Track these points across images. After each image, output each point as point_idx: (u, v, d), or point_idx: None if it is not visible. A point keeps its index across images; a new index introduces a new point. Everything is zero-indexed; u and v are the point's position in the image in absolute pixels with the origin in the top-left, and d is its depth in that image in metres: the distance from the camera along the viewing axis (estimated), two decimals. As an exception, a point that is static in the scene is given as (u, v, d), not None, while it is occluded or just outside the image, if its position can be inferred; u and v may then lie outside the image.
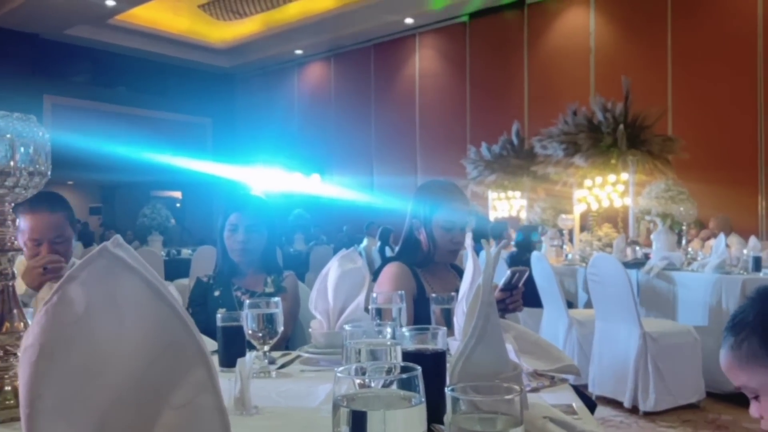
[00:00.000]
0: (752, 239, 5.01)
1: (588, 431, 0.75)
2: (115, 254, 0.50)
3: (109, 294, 0.50)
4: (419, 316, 1.94)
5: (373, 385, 0.70)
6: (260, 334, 1.53)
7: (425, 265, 2.18)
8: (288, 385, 1.43)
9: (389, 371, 0.84)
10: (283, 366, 1.62)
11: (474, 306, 0.79)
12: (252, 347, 1.57)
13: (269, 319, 1.54)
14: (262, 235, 2.30)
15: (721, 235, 4.92)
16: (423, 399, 0.61)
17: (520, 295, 1.86)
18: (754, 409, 1.06)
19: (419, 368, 0.63)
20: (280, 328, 1.55)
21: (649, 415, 3.90)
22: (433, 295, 1.66)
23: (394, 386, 0.66)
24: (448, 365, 0.99)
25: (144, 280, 0.51)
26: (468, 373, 0.77)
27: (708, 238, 6.33)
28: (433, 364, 0.95)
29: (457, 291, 1.74)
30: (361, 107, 13.33)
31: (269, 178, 13.26)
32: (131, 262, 0.51)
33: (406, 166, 12.28)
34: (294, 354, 1.75)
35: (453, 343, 1.20)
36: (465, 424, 0.60)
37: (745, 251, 4.65)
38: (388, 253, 7.95)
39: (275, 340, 1.57)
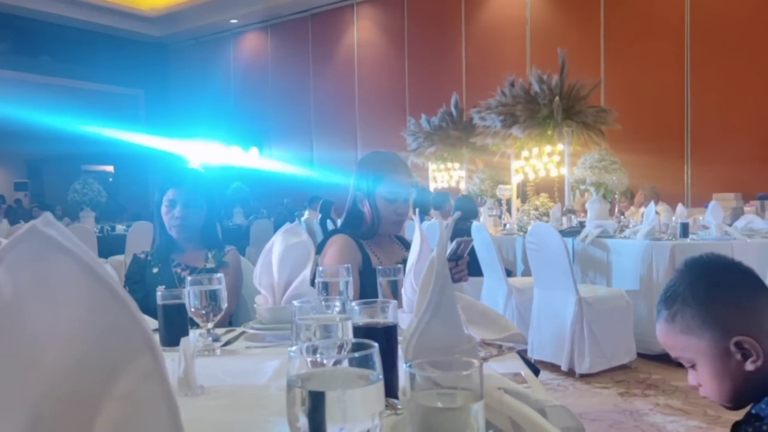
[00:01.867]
0: (679, 207, 5.22)
1: (542, 400, 0.76)
2: (46, 233, 0.46)
3: (40, 277, 0.45)
4: (365, 289, 1.93)
5: (326, 363, 0.68)
6: (203, 312, 1.49)
7: (370, 236, 2.17)
8: (234, 362, 1.39)
9: (341, 348, 0.82)
10: (227, 343, 1.58)
11: (428, 279, 0.78)
12: (194, 325, 1.53)
13: (212, 296, 1.49)
14: (200, 210, 2.23)
15: (651, 204, 5.11)
16: (381, 376, 0.59)
17: (466, 265, 1.87)
18: (692, 377, 1.10)
19: (376, 345, 0.61)
20: (224, 305, 1.51)
21: (584, 377, 4.04)
22: (380, 267, 1.64)
23: (346, 363, 0.64)
24: (399, 339, 0.98)
25: (78, 261, 0.46)
26: (424, 348, 0.75)
27: (640, 206, 6.56)
28: (384, 339, 0.93)
29: (403, 262, 1.73)
30: (299, 79, 13.11)
31: (206, 152, 12.94)
32: (64, 241, 0.46)
33: (345, 138, 12.21)
34: (239, 330, 1.71)
35: (401, 316, 1.19)
36: (424, 401, 0.59)
37: (673, 218, 4.84)
38: (330, 226, 7.91)
39: (219, 317, 1.52)
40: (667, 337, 1.11)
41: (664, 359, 4.25)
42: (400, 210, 2.14)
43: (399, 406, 0.89)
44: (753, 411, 1.02)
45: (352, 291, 1.57)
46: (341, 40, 12.69)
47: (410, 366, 0.61)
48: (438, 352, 0.74)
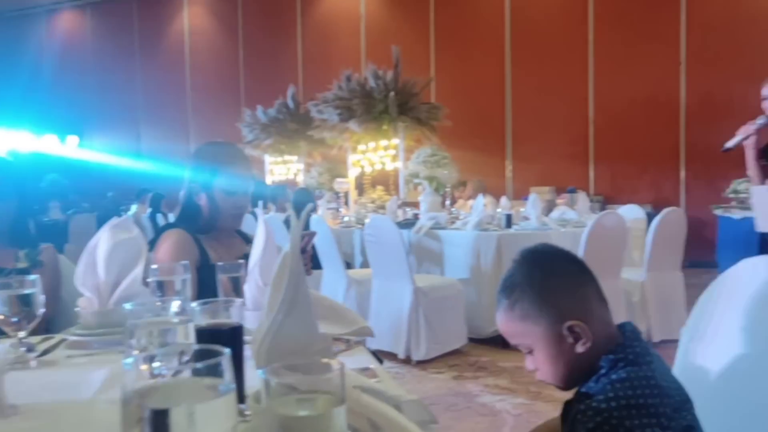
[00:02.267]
0: (503, 199, 5.58)
1: (397, 396, 0.74)
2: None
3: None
4: (204, 287, 1.81)
5: (167, 373, 0.60)
6: (14, 319, 1.30)
7: (208, 231, 2.05)
8: (53, 375, 1.24)
9: (183, 354, 0.74)
10: (44, 353, 1.40)
11: (281, 275, 0.73)
12: (2, 334, 1.34)
13: (25, 301, 1.31)
14: (8, 204, 1.98)
15: (480, 196, 5.40)
16: (233, 385, 0.54)
17: (309, 258, 1.83)
18: (529, 362, 1.15)
19: (227, 350, 0.56)
20: (40, 310, 1.34)
21: (420, 363, 4.19)
22: (220, 263, 1.55)
23: (188, 372, 0.58)
24: (246, 339, 0.92)
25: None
26: (277, 350, 0.71)
27: (468, 199, 6.93)
28: (231, 341, 0.87)
29: (244, 257, 1.65)
30: (124, 65, 12.24)
31: (13, 140, 11.65)
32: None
33: (177, 128, 11.62)
34: (58, 338, 1.53)
35: (246, 315, 1.12)
36: (282, 409, 0.54)
37: (498, 210, 5.16)
38: (161, 220, 7.48)
39: (33, 324, 1.34)
40: (507, 324, 1.15)
41: (492, 342, 4.52)
42: (239, 203, 2.05)
43: (247, 412, 0.83)
44: (583, 389, 1.09)
45: (190, 290, 1.46)
46: (171, 26, 12.05)
47: (265, 372, 0.56)
48: (293, 353, 0.70)
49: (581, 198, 5.87)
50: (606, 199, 8.58)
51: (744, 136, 3.35)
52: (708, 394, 1.25)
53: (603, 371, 1.05)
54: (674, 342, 3.46)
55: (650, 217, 4.99)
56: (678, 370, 1.37)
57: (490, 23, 9.58)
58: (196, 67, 11.89)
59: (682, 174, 8.39)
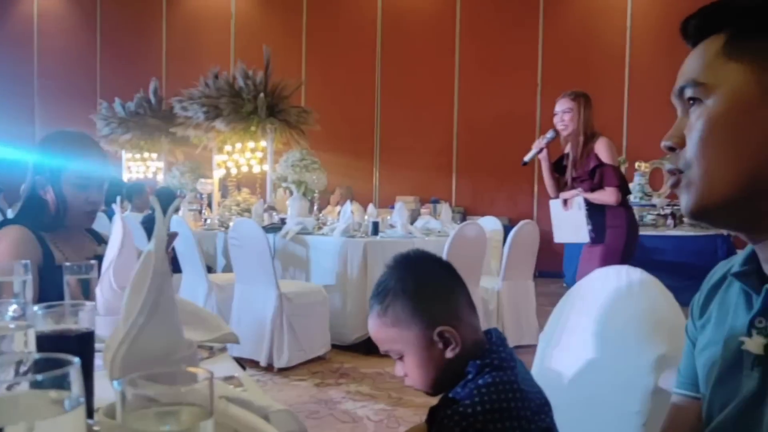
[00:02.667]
0: (370, 206, 5.63)
1: (265, 406, 0.70)
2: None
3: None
4: (47, 290, 1.65)
5: (1, 386, 0.52)
6: None
7: (53, 229, 1.86)
8: None
9: (21, 364, 0.65)
10: None
11: (143, 276, 0.66)
12: None
13: None
14: None
15: (348, 203, 5.42)
16: (82, 399, 0.47)
17: (170, 261, 1.72)
18: (398, 368, 1.15)
19: (76, 360, 0.49)
20: None
21: (283, 371, 4.11)
22: (67, 263, 1.41)
23: (26, 385, 0.50)
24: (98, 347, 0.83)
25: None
26: (135, 358, 0.64)
27: (336, 205, 6.93)
28: (78, 349, 0.78)
29: (96, 258, 1.52)
30: (-41, 42, 11.05)
31: None
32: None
33: (20, 117, 10.64)
34: None
35: (98, 320, 1.02)
36: (141, 424, 0.48)
37: (365, 217, 5.20)
38: (-3, 216, 6.80)
39: None
40: (378, 331, 1.14)
41: (356, 348, 4.54)
42: (92, 198, 1.88)
43: (95, 428, 0.75)
44: (450, 395, 1.10)
45: (31, 293, 1.32)
46: (17, 6, 11.05)
47: (121, 383, 0.50)
48: (153, 361, 0.63)
49: (444, 208, 6.08)
50: (467, 210, 8.96)
51: (537, 150, 3.63)
52: (562, 397, 1.31)
53: (470, 376, 1.06)
54: (526, 347, 3.64)
55: (506, 229, 5.27)
56: (535, 373, 1.43)
57: (362, 32, 9.70)
58: (45, 52, 10.98)
59: (536, 189, 8.95)
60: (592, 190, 3.47)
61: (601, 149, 3.44)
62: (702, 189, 0.77)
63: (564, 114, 3.54)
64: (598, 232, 3.44)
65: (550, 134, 3.61)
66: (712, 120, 0.77)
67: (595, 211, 3.46)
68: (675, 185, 0.82)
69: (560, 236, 3.77)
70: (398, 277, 1.14)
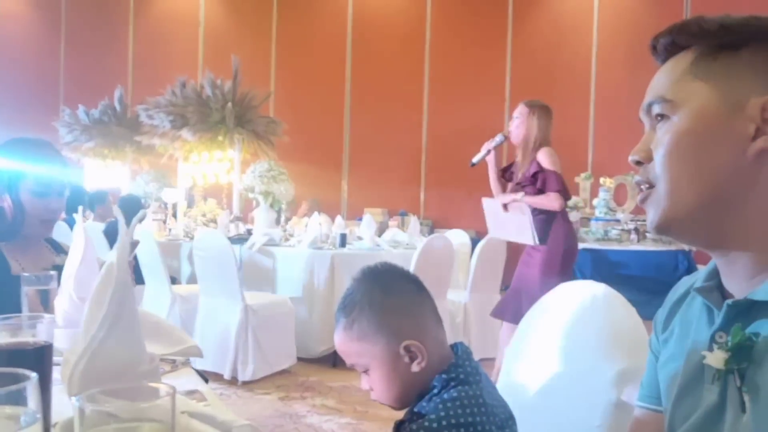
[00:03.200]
0: (338, 218, 5.62)
1: (228, 421, 0.69)
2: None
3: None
4: (3, 301, 1.60)
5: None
6: None
7: (10, 238, 1.81)
8: None
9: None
10: None
11: (104, 288, 0.64)
12: None
13: None
14: None
15: (315, 214, 5.40)
16: (39, 415, 0.46)
17: (131, 270, 1.68)
18: (364, 382, 1.14)
19: (34, 375, 0.47)
20: None
21: (247, 384, 4.06)
22: (26, 273, 1.38)
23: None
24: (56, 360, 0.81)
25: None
26: (94, 372, 0.62)
27: (303, 216, 6.90)
28: (36, 363, 0.76)
29: (54, 269, 1.48)
30: None
31: None
32: None
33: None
34: None
35: (57, 333, 1.00)
36: (99, 441, 0.47)
37: (333, 229, 5.19)
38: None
39: None
40: (344, 344, 1.13)
41: (321, 361, 4.51)
42: (51, 206, 1.83)
43: (52, 445, 0.73)
44: (415, 409, 1.09)
45: (-13, 304, 1.28)
46: (-23, 7, 10.80)
47: (79, 399, 0.49)
48: (114, 376, 0.62)
49: (412, 221, 6.09)
50: (434, 223, 9.00)
51: (485, 152, 3.69)
52: (527, 410, 1.32)
53: (435, 390, 1.06)
54: (492, 359, 3.66)
55: (474, 242, 5.30)
56: (501, 388, 1.44)
57: (332, 44, 9.72)
58: (5, 56, 10.73)
59: (502, 203, 9.03)
60: (535, 195, 3.53)
61: (543, 157, 3.49)
62: (666, 203, 0.79)
63: (515, 119, 3.60)
64: (540, 238, 3.49)
65: (498, 138, 3.67)
66: (677, 136, 0.79)
67: (535, 217, 3.50)
68: (643, 200, 0.84)
69: (498, 233, 3.83)
70: (365, 291, 1.13)
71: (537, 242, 3.45)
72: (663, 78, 0.83)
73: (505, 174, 3.74)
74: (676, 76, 0.81)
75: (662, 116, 0.81)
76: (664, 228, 0.81)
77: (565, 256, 3.49)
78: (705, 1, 7.71)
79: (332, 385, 4.10)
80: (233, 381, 4.07)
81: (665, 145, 0.80)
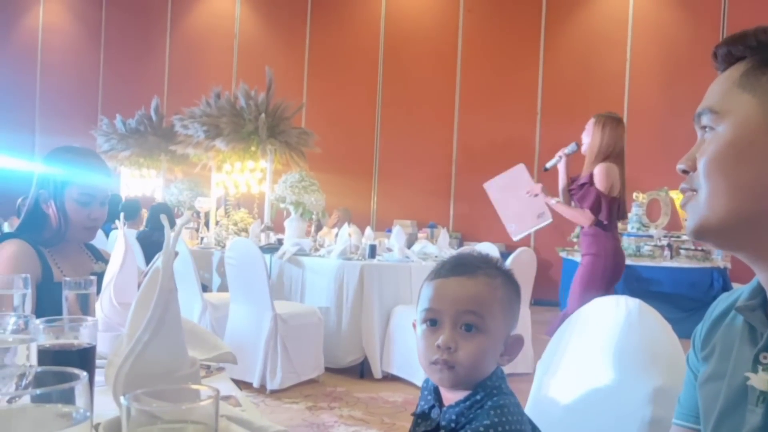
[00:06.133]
0: (368, 230, 5.65)
1: (265, 426, 0.70)
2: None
3: None
4: (44, 305, 1.65)
5: (3, 399, 0.52)
6: None
7: (54, 244, 1.86)
8: None
9: (24, 377, 0.66)
10: None
11: (149, 292, 0.66)
12: None
13: None
14: None
15: (345, 225, 5.43)
16: (89, 414, 0.47)
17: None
18: (450, 338, 1.05)
19: (84, 374, 0.49)
20: None
21: (275, 393, 4.08)
22: (67, 278, 1.41)
23: (28, 399, 0.51)
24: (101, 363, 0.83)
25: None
26: (139, 375, 0.64)
27: (333, 227, 6.94)
28: (80, 364, 0.78)
29: (95, 274, 1.52)
30: (-38, 55, 11.11)
31: None
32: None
33: (21, 132, 10.66)
34: None
35: (102, 336, 1.03)
36: (146, 441, 0.48)
37: (363, 240, 5.21)
38: (-7, 229, 6.77)
39: None
40: (483, 290, 1.07)
41: (349, 372, 4.51)
42: (94, 215, 1.88)
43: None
44: (443, 422, 1.07)
45: (30, 307, 1.31)
46: (22, 21, 11.15)
47: (127, 398, 0.50)
48: (157, 378, 0.63)
49: (442, 233, 6.08)
50: (464, 236, 8.96)
51: (557, 158, 3.67)
52: (559, 426, 1.31)
53: (478, 397, 1.04)
54: (520, 375, 3.63)
55: (504, 256, 5.27)
56: (532, 402, 1.43)
57: (364, 56, 9.79)
58: (48, 67, 11.04)
59: (533, 217, 8.96)
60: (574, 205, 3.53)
61: (597, 172, 3.46)
62: (704, 212, 0.80)
63: (586, 129, 3.60)
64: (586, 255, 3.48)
65: (571, 146, 3.66)
66: (719, 147, 0.79)
67: (583, 232, 3.51)
68: (685, 203, 0.85)
69: (494, 192, 3.85)
70: (506, 269, 1.13)
71: (515, 239, 3.47)
72: (715, 88, 0.83)
73: (572, 184, 3.73)
74: (725, 88, 0.81)
75: (710, 127, 0.81)
76: (699, 234, 0.82)
77: (609, 273, 3.46)
78: (742, 13, 7.60)
79: (360, 396, 4.10)
80: (261, 389, 4.09)
81: (708, 154, 0.80)
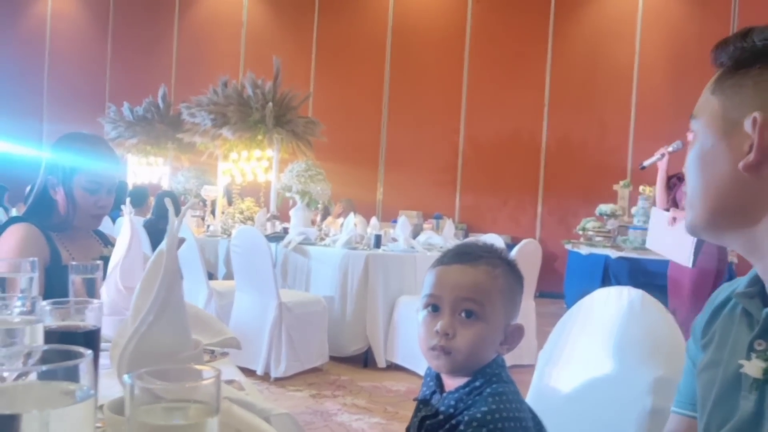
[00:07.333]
0: (373, 219, 5.65)
1: (267, 409, 0.71)
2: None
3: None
4: (52, 288, 1.66)
5: (13, 376, 0.54)
6: None
7: (62, 230, 1.87)
8: None
9: (30, 356, 0.67)
10: None
11: (154, 275, 0.67)
12: None
13: None
14: None
15: (351, 215, 5.43)
16: (93, 391, 0.48)
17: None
18: (448, 324, 1.06)
19: (89, 352, 0.50)
20: None
21: (279, 380, 4.10)
22: (74, 263, 1.43)
23: (34, 376, 0.52)
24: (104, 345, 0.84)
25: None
26: (143, 355, 0.65)
27: (338, 216, 6.95)
28: (85, 345, 0.79)
29: (102, 259, 1.53)
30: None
31: None
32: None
33: (28, 118, 10.69)
34: None
35: (103, 319, 1.04)
36: (148, 418, 0.49)
37: (368, 230, 5.21)
38: (2, 215, 6.82)
39: None
40: (477, 279, 1.08)
41: (353, 361, 4.53)
42: (101, 203, 1.89)
43: (98, 425, 0.76)
44: (441, 408, 1.08)
45: (37, 289, 1.33)
46: (30, 8, 11.16)
47: (131, 377, 0.51)
48: (161, 358, 0.64)
49: (447, 224, 6.08)
50: (469, 227, 8.96)
51: (658, 156, 3.65)
52: (560, 415, 1.32)
53: (477, 384, 1.05)
54: (524, 367, 3.65)
55: (509, 248, 5.26)
56: (534, 391, 1.43)
57: (372, 47, 9.76)
58: (56, 54, 11.06)
59: (539, 209, 8.96)
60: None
61: None
62: (690, 211, 0.85)
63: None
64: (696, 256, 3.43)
65: (676, 144, 3.63)
66: (693, 149, 0.84)
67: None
68: (687, 203, 0.89)
69: (654, 245, 3.78)
70: (509, 259, 1.14)
71: (691, 265, 3.39)
72: (703, 93, 0.86)
73: (669, 182, 3.71)
74: (704, 93, 0.84)
75: (693, 131, 0.86)
76: (692, 231, 0.87)
77: (717, 278, 3.45)
78: (753, 8, 7.53)
79: (363, 385, 4.12)
80: (266, 377, 4.12)
81: (687, 157, 0.85)
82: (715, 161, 0.80)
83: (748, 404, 0.76)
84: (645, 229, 7.12)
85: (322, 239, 5.19)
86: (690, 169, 0.84)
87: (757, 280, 0.83)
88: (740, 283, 0.87)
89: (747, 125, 0.76)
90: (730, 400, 0.79)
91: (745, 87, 0.78)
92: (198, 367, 0.53)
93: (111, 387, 0.79)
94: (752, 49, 0.78)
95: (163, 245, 0.72)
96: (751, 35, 0.78)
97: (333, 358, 4.50)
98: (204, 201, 6.77)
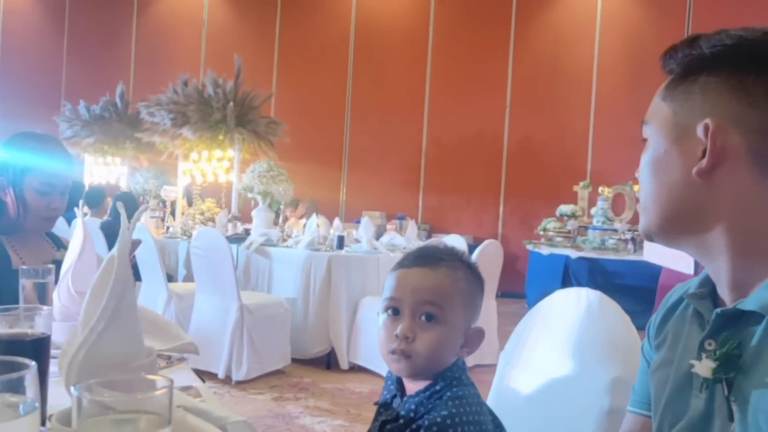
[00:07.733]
0: (336, 221, 5.64)
1: (223, 417, 0.69)
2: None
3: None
4: (1, 294, 1.60)
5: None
6: None
7: (12, 232, 1.81)
8: None
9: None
10: None
11: (104, 281, 0.65)
12: None
13: None
14: None
15: (314, 216, 5.41)
16: (37, 404, 0.46)
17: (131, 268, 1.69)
18: (408, 328, 1.07)
19: (33, 363, 0.48)
20: None
21: (241, 383, 4.05)
22: (24, 267, 1.38)
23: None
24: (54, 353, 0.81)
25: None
26: (93, 365, 0.62)
27: (301, 217, 6.90)
28: (34, 354, 0.76)
29: (54, 263, 1.48)
30: None
31: None
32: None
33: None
34: None
35: (53, 325, 1.00)
36: (98, 430, 0.47)
37: (331, 231, 5.19)
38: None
39: None
40: (439, 282, 1.08)
41: (316, 363, 4.51)
42: (54, 204, 1.83)
43: (47, 436, 0.73)
44: (402, 412, 1.07)
45: (-15, 295, 1.28)
46: (-18, 1, 10.82)
47: (77, 388, 0.49)
48: (111, 368, 0.62)
49: (410, 225, 6.10)
50: (432, 228, 9.00)
51: None
52: (520, 416, 1.33)
53: (437, 387, 1.05)
54: (486, 366, 3.67)
55: (471, 248, 5.30)
56: (494, 393, 1.44)
57: (335, 46, 9.73)
58: (9, 50, 10.74)
59: (501, 209, 9.05)
60: None
61: None
62: (643, 217, 0.86)
63: None
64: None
65: None
66: (645, 155, 0.85)
67: None
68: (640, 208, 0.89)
69: (653, 257, 3.79)
70: (470, 262, 1.14)
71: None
72: (654, 99, 0.87)
73: None
74: (655, 99, 0.85)
75: (644, 137, 0.86)
76: (646, 236, 0.87)
77: None
78: (707, 13, 7.74)
79: (326, 387, 4.10)
80: (227, 380, 4.06)
81: (640, 163, 0.86)
82: (668, 167, 0.81)
83: (699, 403, 0.78)
84: (604, 230, 7.26)
85: (284, 240, 5.15)
86: (643, 174, 0.85)
87: (708, 281, 0.85)
88: (692, 283, 0.89)
89: (699, 131, 0.77)
90: (682, 399, 0.81)
91: (694, 93, 0.79)
92: (150, 376, 0.51)
93: (62, 396, 0.77)
94: (700, 56, 0.79)
95: (114, 250, 0.69)
96: (699, 42, 0.79)
97: (295, 360, 4.46)
98: (164, 202, 6.66)
